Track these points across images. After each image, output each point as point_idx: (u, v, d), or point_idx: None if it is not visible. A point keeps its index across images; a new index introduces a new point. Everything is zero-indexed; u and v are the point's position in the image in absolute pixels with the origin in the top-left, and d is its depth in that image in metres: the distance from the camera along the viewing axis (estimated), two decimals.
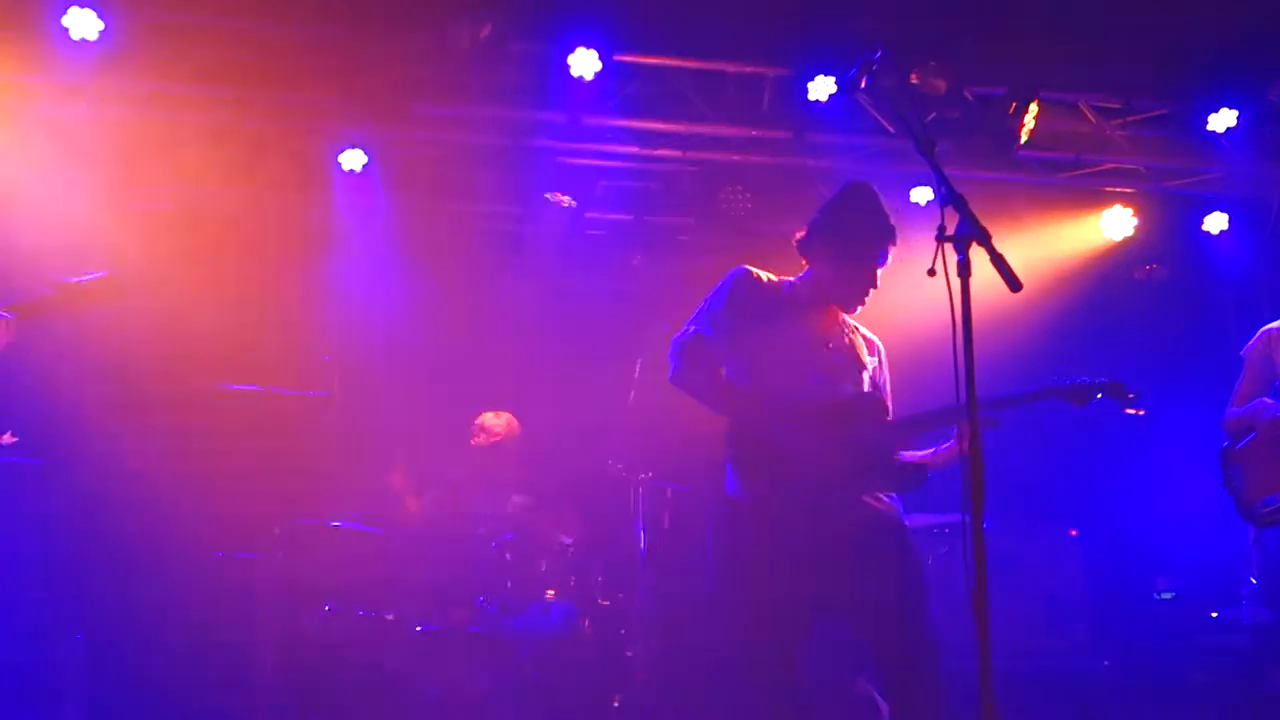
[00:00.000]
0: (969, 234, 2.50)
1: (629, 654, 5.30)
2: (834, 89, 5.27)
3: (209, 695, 5.38)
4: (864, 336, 3.48)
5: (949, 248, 2.49)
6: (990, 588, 2.33)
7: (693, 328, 3.32)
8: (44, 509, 5.16)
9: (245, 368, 5.74)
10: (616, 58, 5.23)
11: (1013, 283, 2.48)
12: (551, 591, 5.09)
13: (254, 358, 6.06)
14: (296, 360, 5.87)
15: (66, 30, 4.70)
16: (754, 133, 5.87)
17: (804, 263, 3.44)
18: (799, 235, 3.42)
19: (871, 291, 3.36)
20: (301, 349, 5.95)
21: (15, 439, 5.75)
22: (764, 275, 3.39)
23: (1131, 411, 3.38)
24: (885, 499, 3.28)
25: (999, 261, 2.47)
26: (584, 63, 5.07)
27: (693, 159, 6.05)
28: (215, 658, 5.48)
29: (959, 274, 2.48)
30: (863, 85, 2.87)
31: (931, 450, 3.39)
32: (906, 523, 3.32)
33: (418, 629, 5.13)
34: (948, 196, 2.55)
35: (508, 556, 5.09)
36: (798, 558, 3.11)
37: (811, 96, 5.36)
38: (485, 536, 5.20)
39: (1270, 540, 4.14)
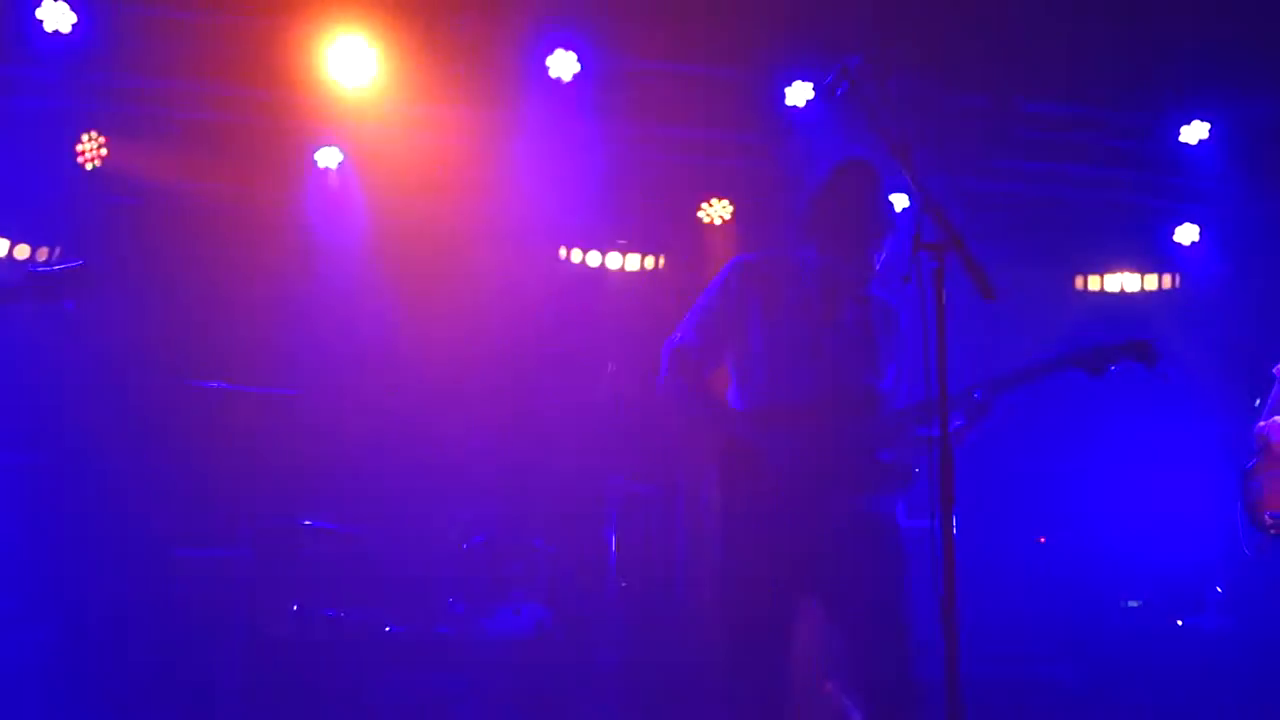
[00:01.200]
0: (944, 241, 2.51)
1: (598, 657, 5.29)
2: (811, 94, 5.29)
3: (175, 694, 5.33)
4: (881, 306, 3.32)
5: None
6: (958, 594, 2.34)
7: (679, 334, 3.26)
8: (12, 505, 5.11)
9: (216, 364, 5.71)
10: (595, 60, 5.23)
11: (986, 290, 2.49)
12: (521, 594, 5.07)
13: (225, 354, 6.02)
14: (268, 357, 5.84)
15: (40, 22, 4.66)
16: (732, 137, 5.88)
17: (811, 240, 3.29)
18: (800, 209, 3.30)
19: (874, 267, 3.21)
20: (273, 346, 5.92)
21: None
22: (763, 261, 3.30)
23: (1158, 376, 3.30)
24: (879, 499, 3.20)
25: (973, 269, 2.49)
26: (563, 65, 5.07)
27: (672, 162, 6.06)
28: (182, 657, 5.42)
29: (934, 281, 2.49)
30: (839, 92, 2.88)
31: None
32: (901, 523, 3.24)
33: (386, 629, 5.11)
34: (924, 204, 2.57)
35: (478, 558, 5.07)
36: (784, 557, 3.08)
37: (789, 102, 5.38)
38: (456, 538, 5.18)
39: (1272, 553, 4.28)
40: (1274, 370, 4.51)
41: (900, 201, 6.19)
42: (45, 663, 5.00)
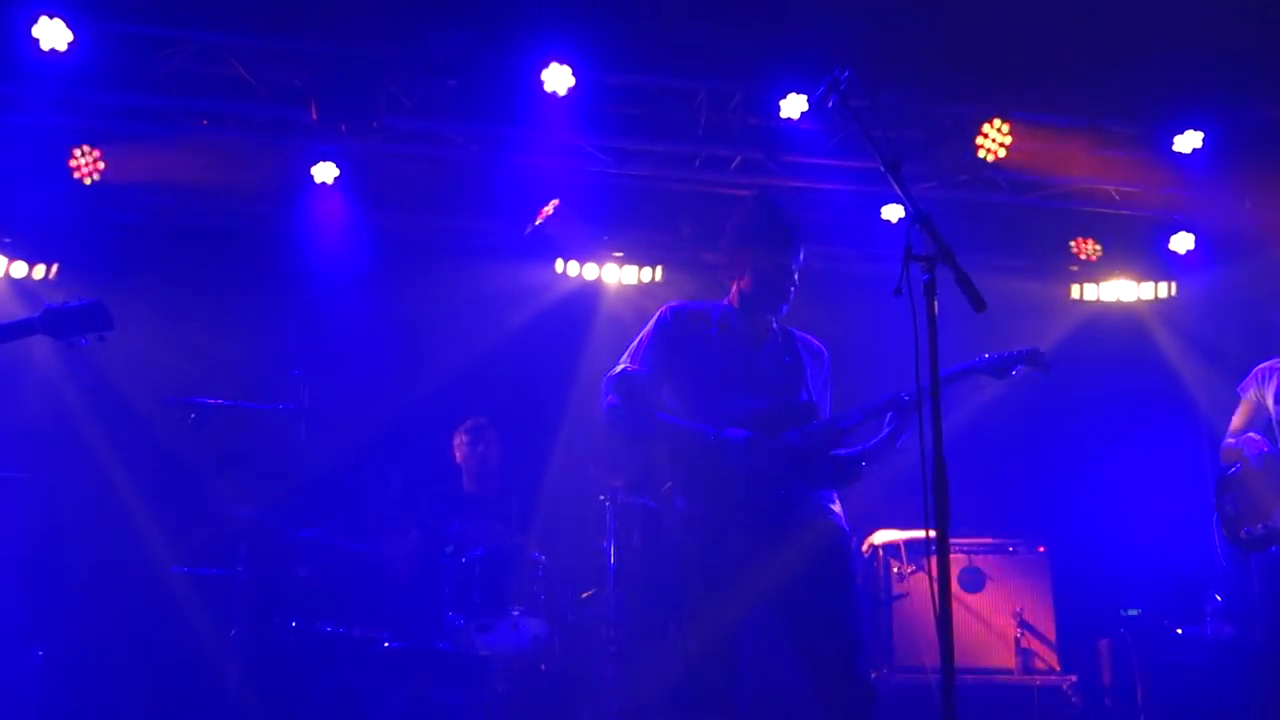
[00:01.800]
0: (935, 254, 2.52)
1: (597, 671, 5.28)
2: (805, 106, 5.31)
3: (172, 711, 5.33)
4: (806, 345, 3.65)
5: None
6: (956, 604, 2.34)
7: (622, 365, 3.51)
8: (8, 523, 5.11)
9: (215, 381, 5.71)
10: (590, 74, 5.25)
11: (976, 303, 2.50)
12: (519, 609, 5.06)
13: (225, 371, 6.03)
14: (267, 374, 5.84)
15: (36, 41, 4.66)
16: (726, 151, 5.91)
17: (731, 285, 3.61)
18: (717, 260, 3.69)
19: (792, 290, 3.51)
20: (272, 362, 5.92)
21: None
22: (693, 307, 3.60)
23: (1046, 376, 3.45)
24: (826, 506, 3.41)
25: (964, 281, 2.50)
26: (557, 78, 5.08)
27: (667, 176, 6.08)
28: (180, 675, 5.42)
29: (924, 293, 2.50)
30: (830, 104, 2.89)
31: (862, 446, 3.49)
32: (845, 528, 3.44)
33: (385, 645, 5.10)
34: (914, 216, 2.57)
35: (477, 572, 5.06)
36: (736, 560, 3.27)
37: (783, 114, 5.40)
38: (455, 552, 5.17)
39: (1256, 562, 4.46)
40: (1238, 389, 4.71)
41: (896, 212, 6.24)
42: (42, 680, 4.98)
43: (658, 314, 3.57)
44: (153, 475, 5.99)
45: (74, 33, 4.71)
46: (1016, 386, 3.52)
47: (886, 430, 3.42)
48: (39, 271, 6.27)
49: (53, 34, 4.69)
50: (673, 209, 6.33)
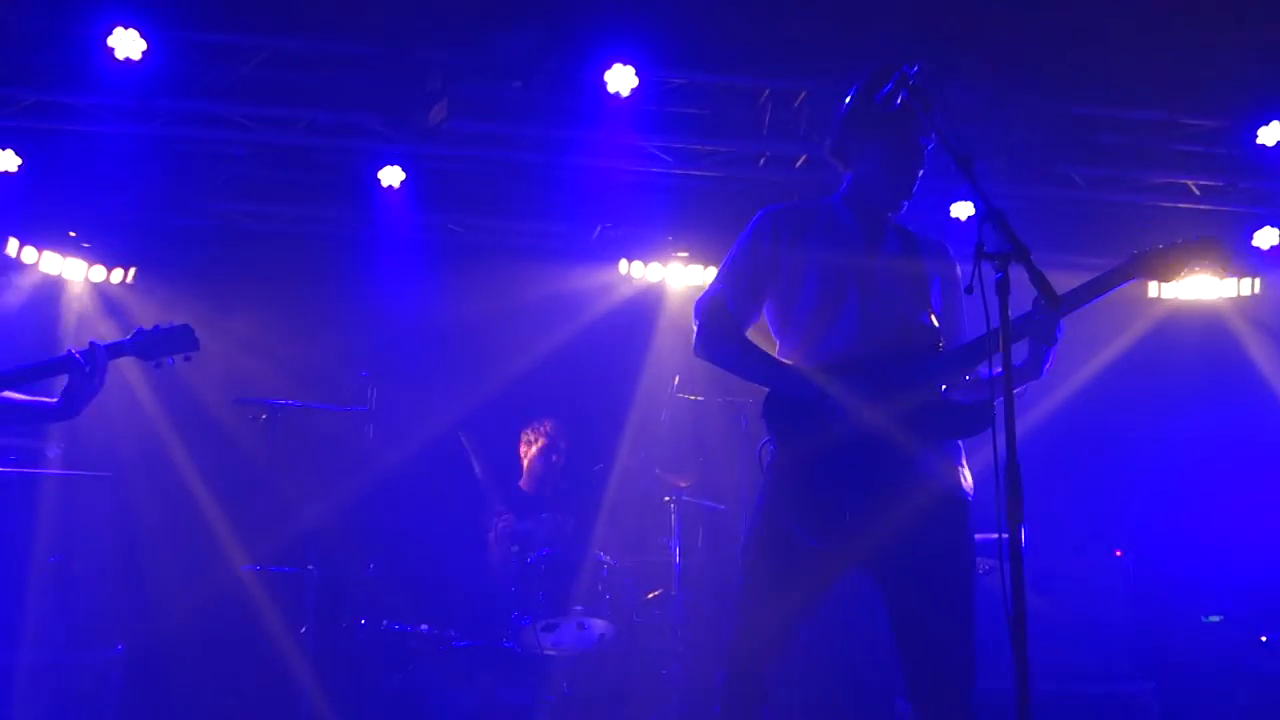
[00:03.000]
0: (1008, 251, 2.45)
1: (663, 671, 5.26)
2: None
3: (245, 709, 5.41)
4: (928, 245, 3.15)
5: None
6: (1030, 608, 2.28)
7: (715, 287, 3.06)
8: (94, 520, 5.23)
9: (285, 382, 5.80)
10: (654, 74, 5.23)
11: (1052, 301, 2.43)
12: (584, 609, 5.06)
13: (295, 373, 6.13)
14: (336, 376, 5.92)
15: (112, 51, 4.75)
16: (792, 150, 5.85)
17: (845, 172, 3.15)
18: (829, 143, 3.15)
19: (920, 173, 3.03)
20: (341, 364, 6.00)
21: (59, 451, 5.86)
22: (795, 207, 3.16)
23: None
24: (947, 467, 2.94)
25: (1039, 279, 2.43)
26: (620, 79, 5.07)
27: (731, 175, 6.04)
28: (253, 670, 5.51)
29: (997, 292, 2.44)
30: (898, 100, 2.82)
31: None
32: (967, 497, 2.96)
33: (452, 643, 5.13)
34: (986, 212, 2.51)
35: (542, 572, 5.07)
36: (822, 524, 2.86)
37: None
38: (520, 552, 5.19)
39: None
40: None
41: (966, 210, 6.13)
42: (123, 672, 5.10)
43: (753, 220, 3.07)
44: (226, 475, 6.11)
45: (147, 42, 4.78)
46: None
47: (1030, 355, 2.89)
48: (117, 275, 6.44)
49: (127, 44, 4.76)
50: (738, 209, 6.25)
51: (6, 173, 5.50)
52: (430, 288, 6.42)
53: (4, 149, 5.45)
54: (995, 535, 2.32)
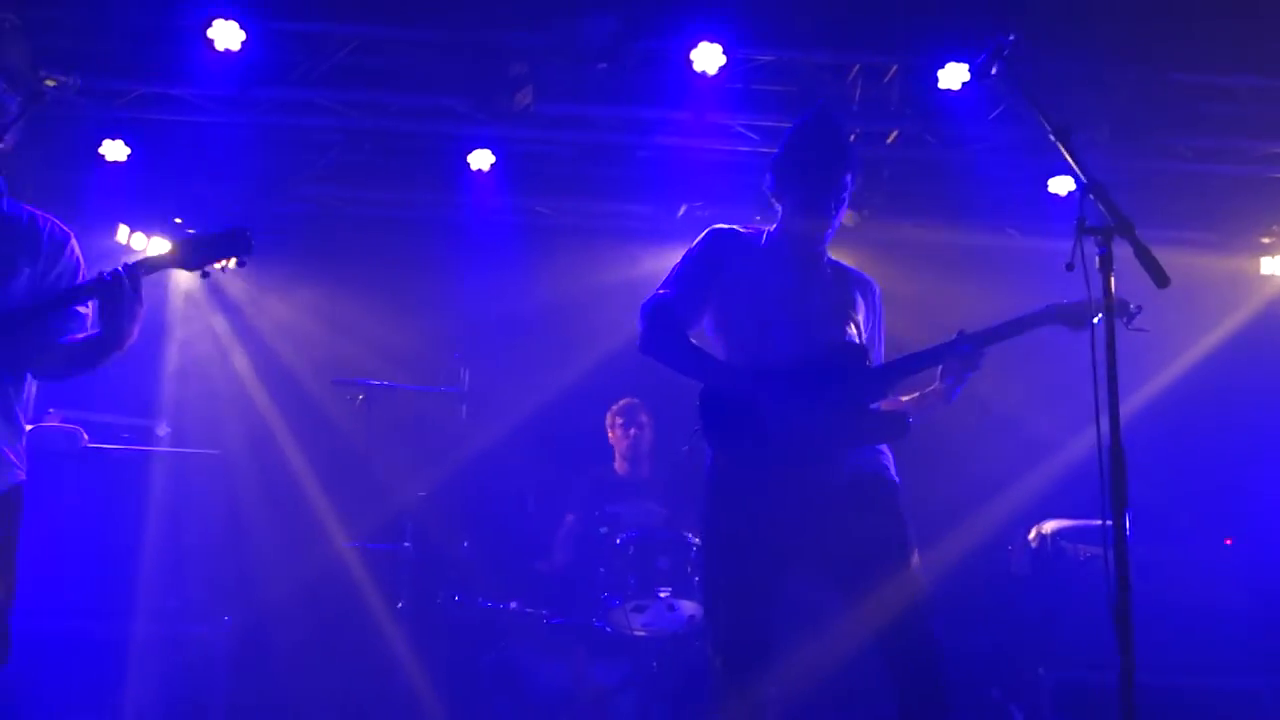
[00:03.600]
0: (1110, 225, 2.38)
1: None
2: (966, 76, 5.11)
3: (345, 680, 5.56)
4: (857, 279, 3.40)
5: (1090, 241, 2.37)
6: (1135, 597, 2.22)
7: (661, 291, 3.26)
8: (201, 497, 5.39)
9: (381, 364, 5.92)
10: (741, 52, 5.18)
11: (1159, 277, 2.35)
12: (673, 590, 5.06)
13: (389, 354, 6.25)
14: (429, 357, 6.02)
15: (211, 42, 4.86)
16: (883, 125, 5.76)
17: (777, 206, 3.36)
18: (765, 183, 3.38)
19: (839, 208, 3.26)
20: (434, 346, 6.10)
21: (167, 430, 6.06)
22: (739, 228, 3.35)
23: (1134, 329, 3.05)
24: (871, 456, 3.17)
25: (1144, 254, 2.35)
26: (707, 58, 5.02)
27: None
28: (352, 644, 5.65)
29: (1100, 268, 2.37)
30: (993, 72, 2.76)
31: (916, 394, 3.28)
32: (894, 479, 3.20)
33: (545, 621, 5.20)
34: (1087, 186, 2.43)
35: (631, 553, 5.10)
36: (771, 515, 3.05)
37: (942, 85, 5.20)
38: (609, 533, 5.23)
39: None
40: None
41: (1064, 185, 5.97)
42: (231, 643, 5.26)
43: (703, 236, 3.32)
44: (325, 454, 6.27)
45: (246, 32, 4.88)
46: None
47: (946, 381, 3.19)
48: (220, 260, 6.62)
49: (227, 35, 4.85)
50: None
51: (116, 162, 5.68)
52: (519, 270, 6.47)
53: (114, 139, 5.62)
54: (1098, 522, 2.26)
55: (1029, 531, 5.52)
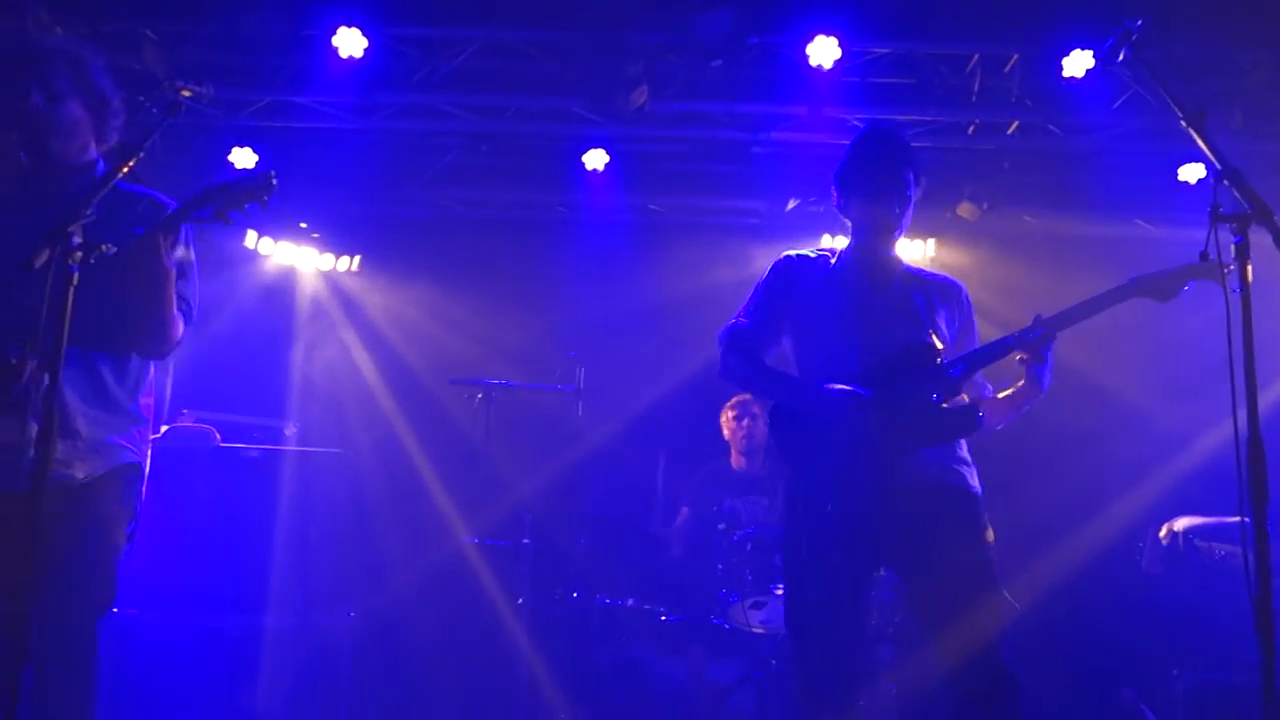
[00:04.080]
0: (1247, 212, 2.29)
1: (873, 652, 5.18)
2: (1091, 63, 4.96)
3: (466, 674, 5.66)
4: (939, 283, 3.39)
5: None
6: (1277, 594, 2.13)
7: (738, 319, 3.36)
8: (327, 494, 5.54)
9: (499, 363, 6.02)
10: (857, 45, 5.12)
11: None
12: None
13: (506, 353, 6.35)
14: (546, 356, 6.10)
15: (335, 50, 5.01)
16: (1003, 116, 5.63)
17: (846, 223, 3.42)
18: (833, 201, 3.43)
19: (903, 210, 3.27)
20: (550, 345, 6.18)
21: (295, 429, 6.27)
22: (809, 253, 3.42)
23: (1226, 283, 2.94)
24: (949, 466, 3.13)
25: None
26: (823, 51, 4.98)
27: (939, 146, 5.86)
28: (473, 638, 5.75)
29: (1236, 257, 2.28)
30: (1120, 58, 2.67)
31: (1010, 390, 3.24)
32: (974, 490, 3.15)
33: (663, 618, 5.22)
34: (1222, 172, 2.35)
35: (748, 550, 5.08)
36: (850, 524, 3.03)
37: (1066, 73, 5.06)
38: (726, 529, 5.23)
39: None
40: None
41: (1195, 172, 5.75)
42: (355, 637, 5.40)
43: (774, 264, 3.40)
44: (445, 451, 6.40)
45: (368, 39, 5.01)
46: None
47: (1029, 370, 3.15)
48: (343, 263, 6.85)
49: (350, 42, 5.00)
50: (946, 180, 6.09)
51: (245, 169, 5.89)
52: (633, 268, 6.51)
53: (242, 147, 5.84)
54: (1237, 519, 2.18)
55: (1159, 529, 5.34)
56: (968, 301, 3.39)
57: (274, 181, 2.77)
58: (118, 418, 2.91)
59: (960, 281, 3.43)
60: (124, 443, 2.90)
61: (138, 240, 2.71)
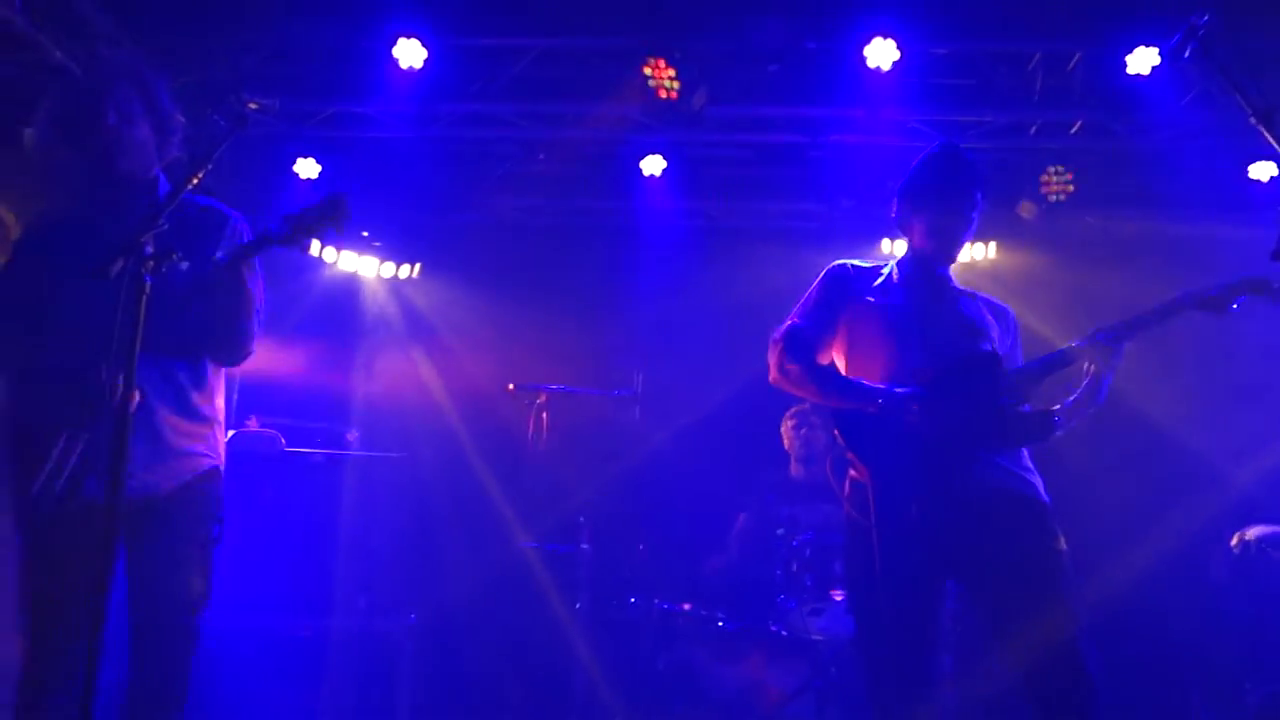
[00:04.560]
0: None
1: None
2: (1157, 60, 4.87)
3: (525, 678, 5.69)
4: (988, 303, 3.39)
5: None
6: None
7: (788, 321, 3.31)
8: (389, 498, 5.60)
9: (558, 368, 6.05)
10: (916, 46, 5.08)
11: None
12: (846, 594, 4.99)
13: (565, 359, 6.38)
14: (604, 361, 6.12)
15: (396, 61, 5.07)
16: (1065, 115, 5.55)
17: (903, 239, 3.41)
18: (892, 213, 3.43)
19: (967, 231, 3.29)
20: (608, 350, 6.20)
21: (357, 435, 6.35)
22: (862, 263, 3.40)
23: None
24: (1016, 472, 3.09)
25: None
26: (881, 53, 4.94)
27: (1001, 146, 5.79)
28: (532, 643, 5.78)
29: None
30: (1186, 54, 2.62)
31: (1070, 398, 3.19)
32: (1043, 498, 3.11)
33: (720, 624, 5.20)
34: None
35: (807, 556, 5.05)
36: (912, 534, 2.96)
37: (1131, 70, 4.97)
38: (785, 535, 5.20)
39: None
40: None
41: (1267, 170, 5.61)
42: (416, 640, 5.45)
43: (826, 269, 3.37)
44: (504, 456, 6.44)
45: (427, 50, 5.07)
46: None
47: (1090, 379, 3.13)
48: (404, 271, 6.93)
49: (410, 53, 5.06)
50: (1008, 181, 6.01)
51: (309, 179, 5.99)
52: (691, 273, 6.51)
53: (306, 157, 5.93)
54: None
55: (1231, 538, 5.22)
56: (1015, 323, 3.41)
57: (348, 207, 2.87)
58: (198, 424, 3.04)
59: (1008, 307, 3.44)
60: (205, 449, 3.04)
61: (221, 267, 2.88)
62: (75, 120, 2.96)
